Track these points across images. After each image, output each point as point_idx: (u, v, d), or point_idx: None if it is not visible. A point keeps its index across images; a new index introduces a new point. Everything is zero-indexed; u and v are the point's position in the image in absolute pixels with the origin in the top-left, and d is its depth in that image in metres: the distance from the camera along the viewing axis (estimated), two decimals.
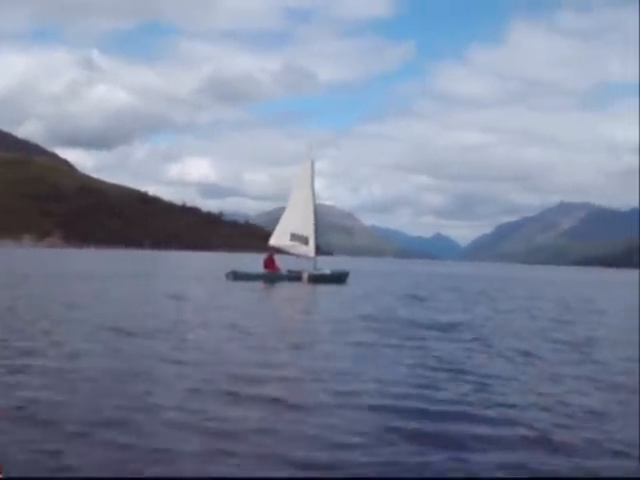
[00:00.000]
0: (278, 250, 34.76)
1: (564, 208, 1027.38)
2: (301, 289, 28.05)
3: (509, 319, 17.30)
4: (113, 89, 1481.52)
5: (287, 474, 4.73)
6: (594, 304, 26.87)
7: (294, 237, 34.38)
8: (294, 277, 31.86)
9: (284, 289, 27.83)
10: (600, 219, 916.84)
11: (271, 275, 31.98)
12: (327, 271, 33.84)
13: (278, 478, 4.74)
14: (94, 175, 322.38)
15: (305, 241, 34.58)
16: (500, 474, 4.86)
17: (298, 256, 34.52)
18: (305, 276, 31.90)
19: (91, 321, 12.89)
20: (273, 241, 34.86)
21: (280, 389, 7.36)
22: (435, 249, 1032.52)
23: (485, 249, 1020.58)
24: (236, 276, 31.38)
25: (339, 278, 33.45)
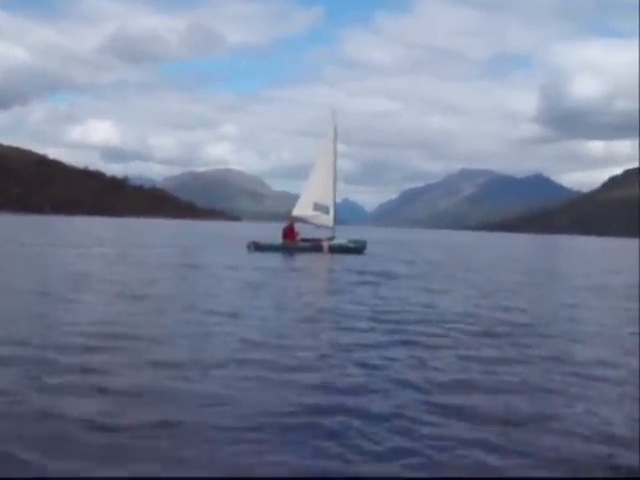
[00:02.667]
0: (297, 219, 33.83)
1: (465, 175, 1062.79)
2: (325, 262, 27.20)
3: (540, 309, 13.83)
4: (8, 46, 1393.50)
5: None
6: (575, 279, 23.85)
7: (317, 207, 33.88)
8: (315, 248, 31.52)
9: (306, 264, 26.05)
10: (499, 185, 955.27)
11: (292, 246, 31.58)
12: (344, 241, 33.48)
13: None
14: None
15: (326, 210, 34.13)
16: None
17: (319, 226, 33.92)
18: (325, 246, 31.63)
19: None
20: (297, 211, 33.95)
21: None
22: (343, 214, 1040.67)
23: (391, 214, 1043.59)
24: (257, 247, 31.24)
25: (358, 248, 33.38)
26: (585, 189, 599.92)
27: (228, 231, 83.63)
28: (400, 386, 6.55)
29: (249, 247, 31.43)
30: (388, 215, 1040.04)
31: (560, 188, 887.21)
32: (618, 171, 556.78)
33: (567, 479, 4.52)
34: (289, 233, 32.25)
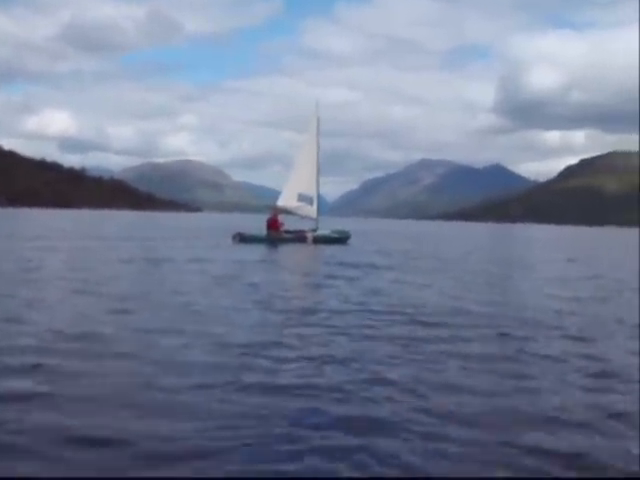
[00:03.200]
0: (281, 210, 33.84)
1: (425, 164, 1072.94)
2: (309, 253, 27.09)
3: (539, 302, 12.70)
4: None
5: None
6: (552, 269, 22.96)
7: (301, 197, 33.83)
8: (299, 239, 31.69)
9: (291, 255, 25.77)
10: (458, 175, 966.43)
11: (276, 237, 31.57)
12: (328, 232, 33.80)
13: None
14: None
15: (310, 201, 34.11)
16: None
17: (303, 217, 34.01)
18: (310, 237, 31.84)
19: None
20: (281, 202, 33.84)
21: None
22: None
23: (352, 205, 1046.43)
24: (242, 238, 31.35)
25: (342, 239, 33.85)
26: (542, 178, 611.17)
27: (191, 222, 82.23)
28: (435, 418, 5.20)
29: (234, 238, 31.39)
30: (349, 205, 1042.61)
31: (518, 178, 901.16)
32: (574, 161, 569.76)
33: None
34: (273, 224, 32.03)
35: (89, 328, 8.44)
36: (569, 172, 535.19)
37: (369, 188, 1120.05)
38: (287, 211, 33.71)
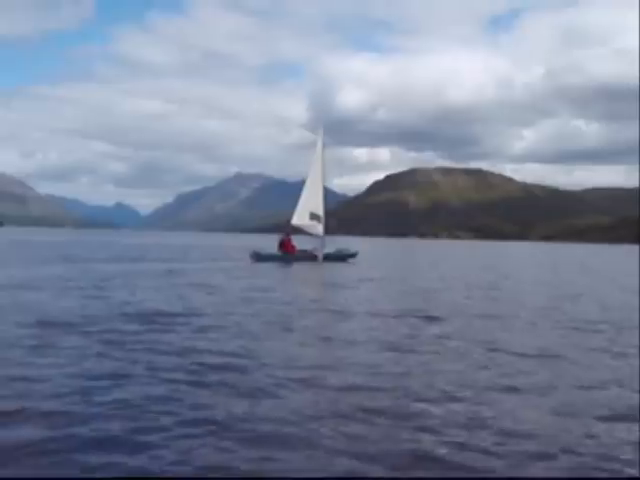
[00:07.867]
0: (293, 230, 35.44)
1: (240, 178, 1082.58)
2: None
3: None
4: None
5: None
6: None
7: (313, 216, 35.57)
8: (310, 257, 34.01)
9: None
10: (272, 189, 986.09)
11: (290, 256, 33.56)
12: (332, 251, 35.95)
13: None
14: None
15: (320, 220, 35.73)
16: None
17: (313, 235, 35.77)
18: (320, 256, 34.11)
19: None
20: (295, 220, 35.45)
21: None
22: (116, 218, 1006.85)
23: (167, 218, 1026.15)
24: (259, 257, 33.43)
25: (348, 257, 36.90)
26: (351, 193, 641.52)
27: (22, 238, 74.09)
28: None
29: (252, 257, 33.42)
30: (165, 218, 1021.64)
31: (329, 192, 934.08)
32: (380, 176, 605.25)
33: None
34: (286, 246, 34.04)
35: None
36: (376, 187, 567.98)
37: (185, 201, 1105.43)
38: (301, 229, 35.77)
